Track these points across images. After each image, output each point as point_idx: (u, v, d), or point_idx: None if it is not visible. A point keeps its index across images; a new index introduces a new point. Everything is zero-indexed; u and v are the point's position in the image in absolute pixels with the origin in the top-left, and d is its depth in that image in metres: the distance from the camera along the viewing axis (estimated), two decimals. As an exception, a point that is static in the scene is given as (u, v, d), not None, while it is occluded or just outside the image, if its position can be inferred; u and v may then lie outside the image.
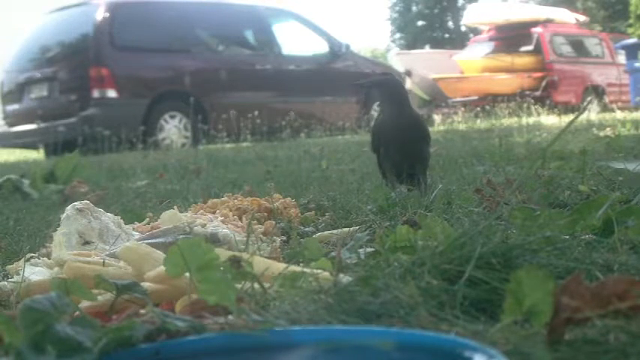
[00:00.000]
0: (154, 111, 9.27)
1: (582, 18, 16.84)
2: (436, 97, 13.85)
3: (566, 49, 14.70)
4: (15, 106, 9.94)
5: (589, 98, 13.63)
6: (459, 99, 13.52)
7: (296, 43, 11.09)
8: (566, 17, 15.83)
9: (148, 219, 2.05)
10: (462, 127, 9.38)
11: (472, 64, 14.72)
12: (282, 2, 13.09)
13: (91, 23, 9.25)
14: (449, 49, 22.43)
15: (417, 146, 2.35)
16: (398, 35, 35.57)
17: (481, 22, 16.23)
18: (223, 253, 1.08)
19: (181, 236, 1.57)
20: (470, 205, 1.88)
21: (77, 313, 1.05)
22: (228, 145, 8.78)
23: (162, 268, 1.12)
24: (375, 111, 10.59)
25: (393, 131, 2.33)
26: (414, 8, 35.30)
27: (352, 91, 10.32)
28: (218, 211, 2.00)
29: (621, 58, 15.01)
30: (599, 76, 14.66)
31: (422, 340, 0.84)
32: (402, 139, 2.33)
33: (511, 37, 14.86)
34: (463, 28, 31.67)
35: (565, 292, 0.90)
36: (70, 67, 9.37)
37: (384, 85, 2.41)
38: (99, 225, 1.71)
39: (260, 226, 1.86)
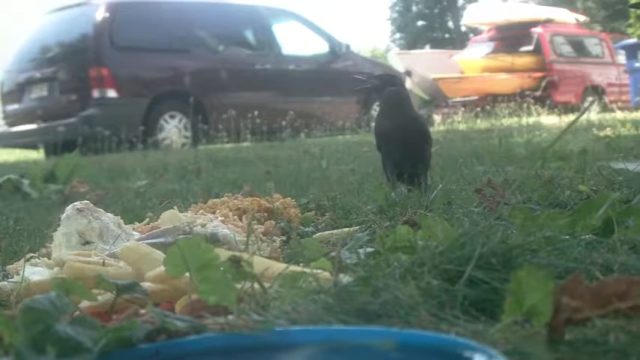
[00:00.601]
0: (154, 111, 9.27)
1: (582, 18, 16.84)
2: (436, 97, 13.85)
3: (566, 49, 14.70)
4: (15, 106, 9.94)
5: (591, 99, 13.63)
6: (459, 99, 13.52)
7: (296, 43, 11.09)
8: (566, 17, 15.83)
9: (148, 219, 2.05)
10: (462, 127, 9.38)
11: (472, 64, 14.72)
12: (282, 2, 13.09)
13: (91, 23, 9.24)
14: (449, 49, 22.43)
15: (418, 147, 2.35)
16: (398, 35, 35.56)
17: (481, 22, 16.23)
18: (223, 253, 1.08)
19: (181, 236, 1.57)
20: (470, 205, 1.88)
21: (77, 313, 1.05)
22: (228, 145, 8.77)
23: (162, 268, 1.12)
24: (375, 111, 10.59)
25: (394, 132, 2.33)
26: (414, 8, 35.28)
27: (352, 91, 10.31)
28: (218, 211, 2.00)
29: (621, 58, 15.01)
30: (599, 76, 14.66)
31: (422, 340, 0.84)
32: (403, 140, 2.33)
33: (511, 37, 14.87)
34: (463, 28, 31.64)
35: (565, 292, 0.90)
36: (70, 67, 9.37)
37: (385, 85, 2.41)
38: (99, 225, 1.71)
39: (260, 226, 1.86)
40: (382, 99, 2.38)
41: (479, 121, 10.18)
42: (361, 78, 2.68)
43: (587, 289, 0.90)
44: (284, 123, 9.62)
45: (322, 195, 2.50)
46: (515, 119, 9.80)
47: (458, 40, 30.46)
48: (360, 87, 2.67)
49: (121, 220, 1.81)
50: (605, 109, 11.86)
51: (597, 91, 14.41)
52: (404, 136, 2.33)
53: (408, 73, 13.23)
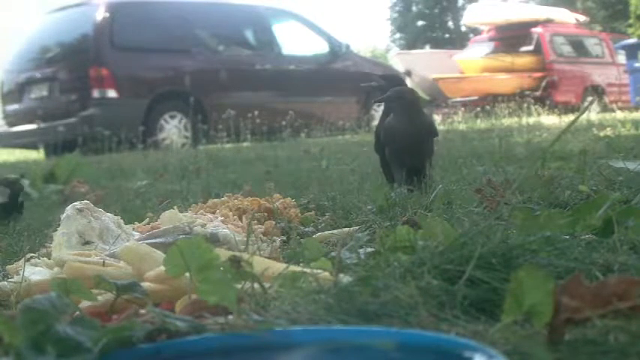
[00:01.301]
0: (154, 111, 9.27)
1: (582, 18, 16.84)
2: (436, 97, 13.85)
3: (566, 49, 14.70)
4: (15, 106, 9.94)
5: (590, 98, 13.63)
6: (459, 99, 13.52)
7: (296, 43, 11.09)
8: (566, 17, 15.83)
9: (148, 219, 2.05)
10: (462, 127, 9.37)
11: (472, 64, 14.72)
12: (282, 2, 13.10)
13: (91, 23, 9.24)
14: (449, 49, 22.43)
15: (428, 146, 2.39)
16: (398, 35, 35.54)
17: (481, 22, 16.23)
18: (223, 253, 1.08)
19: (181, 236, 1.57)
20: (470, 205, 1.88)
21: (77, 313, 1.05)
22: (228, 145, 8.77)
23: (162, 268, 1.12)
24: (374, 111, 10.58)
25: (406, 137, 2.35)
26: (414, 8, 35.26)
27: (352, 91, 10.31)
28: (218, 211, 2.00)
29: (621, 58, 15.01)
30: (599, 76, 14.65)
31: (422, 340, 0.84)
32: (413, 142, 2.35)
33: (511, 37, 14.86)
34: (463, 28, 31.62)
35: (565, 292, 0.90)
36: (70, 67, 9.37)
37: (390, 84, 2.44)
38: (99, 225, 1.71)
39: (260, 226, 1.86)
40: (388, 98, 2.38)
41: (479, 121, 10.17)
42: (373, 84, 2.72)
43: (587, 289, 0.90)
44: (284, 123, 9.61)
45: (322, 195, 2.50)
46: (515, 119, 9.79)
47: (458, 40, 30.44)
48: (366, 84, 2.72)
49: (121, 220, 1.81)
50: (605, 109, 11.85)
51: (597, 91, 14.40)
52: (414, 140, 2.35)
53: (408, 73, 13.23)
